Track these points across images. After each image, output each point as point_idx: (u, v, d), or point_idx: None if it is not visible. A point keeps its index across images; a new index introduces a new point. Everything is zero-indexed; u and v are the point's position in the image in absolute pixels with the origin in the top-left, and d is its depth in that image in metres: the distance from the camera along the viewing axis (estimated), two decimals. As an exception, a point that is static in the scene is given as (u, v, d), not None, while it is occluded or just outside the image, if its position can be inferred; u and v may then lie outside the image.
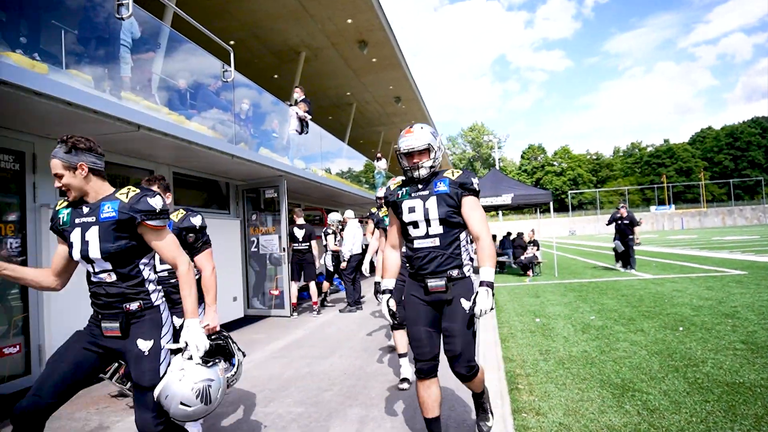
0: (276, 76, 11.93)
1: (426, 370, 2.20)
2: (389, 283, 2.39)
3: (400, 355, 3.65)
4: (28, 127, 3.82)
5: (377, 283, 3.63)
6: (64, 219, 1.84)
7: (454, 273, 2.20)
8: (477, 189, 2.24)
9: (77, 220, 1.81)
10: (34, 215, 3.89)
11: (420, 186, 2.28)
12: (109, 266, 1.79)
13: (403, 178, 2.41)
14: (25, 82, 3.03)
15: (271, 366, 4.37)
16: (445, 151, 32.26)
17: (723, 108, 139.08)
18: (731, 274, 8.71)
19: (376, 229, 4.34)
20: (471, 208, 2.21)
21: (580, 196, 67.61)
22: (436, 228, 2.21)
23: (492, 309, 2.08)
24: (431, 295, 2.22)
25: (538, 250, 11.38)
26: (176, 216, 2.57)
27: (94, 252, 1.76)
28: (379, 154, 14.98)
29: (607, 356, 3.86)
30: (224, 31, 8.59)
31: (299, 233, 7.20)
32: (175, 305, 2.49)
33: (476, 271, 2.15)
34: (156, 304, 1.89)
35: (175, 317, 2.34)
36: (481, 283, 2.09)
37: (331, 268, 7.99)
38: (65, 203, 1.88)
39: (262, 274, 7.49)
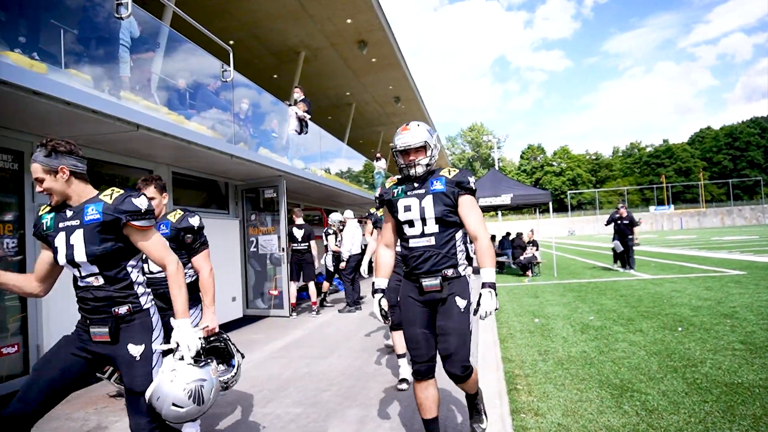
0: (275, 76, 11.93)
1: (423, 372, 2.20)
2: (382, 282, 2.35)
3: (399, 356, 3.65)
4: (27, 127, 3.82)
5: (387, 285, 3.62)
6: (48, 224, 1.81)
7: (449, 272, 2.18)
8: (474, 188, 2.22)
9: (61, 224, 1.77)
10: (32, 215, 3.88)
11: (416, 184, 2.26)
12: (95, 269, 1.77)
13: (400, 176, 2.40)
14: (24, 82, 3.03)
15: (270, 366, 4.37)
16: (444, 150, 32.30)
17: (723, 108, 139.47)
18: (730, 274, 8.72)
19: (374, 230, 4.34)
20: (468, 207, 2.20)
21: (580, 196, 67.66)
22: (432, 227, 2.19)
23: (496, 309, 2.07)
24: (426, 295, 2.20)
25: (537, 250, 11.39)
26: (174, 216, 2.55)
27: (80, 255, 1.73)
28: (378, 154, 14.98)
29: (605, 356, 3.87)
30: (224, 31, 8.59)
31: (298, 233, 7.20)
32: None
33: (476, 271, 2.15)
34: (145, 307, 1.87)
35: (173, 319, 2.33)
36: (484, 285, 2.08)
37: (331, 269, 7.98)
38: (48, 208, 1.84)
39: (261, 274, 7.49)
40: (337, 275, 8.20)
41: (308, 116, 8.67)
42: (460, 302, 2.15)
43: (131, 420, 1.79)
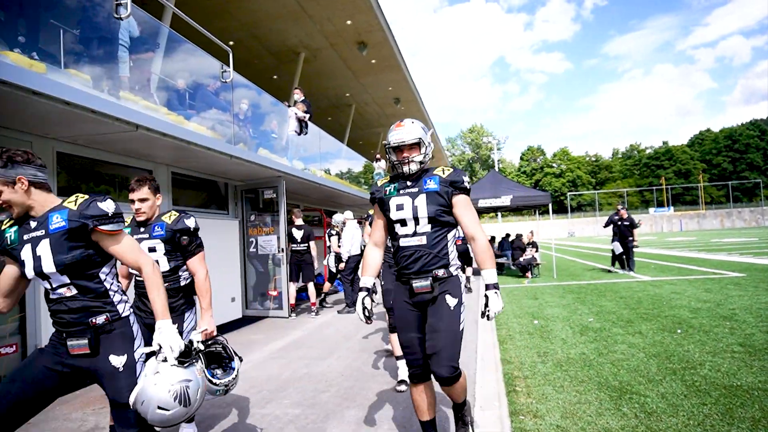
0: (275, 76, 11.93)
1: (419, 375, 2.19)
2: (368, 281, 2.30)
3: (398, 357, 3.64)
4: (27, 127, 3.81)
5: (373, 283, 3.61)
6: (12, 238, 1.73)
7: (440, 273, 2.14)
8: (468, 188, 2.19)
9: (26, 237, 1.70)
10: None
11: (409, 183, 2.22)
12: (66, 279, 1.70)
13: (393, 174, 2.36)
14: (24, 82, 3.02)
15: (269, 367, 4.36)
16: (443, 152, 32.30)
17: (722, 110, 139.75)
18: (729, 276, 8.72)
19: (374, 231, 4.33)
20: (464, 208, 2.17)
21: (579, 197, 67.64)
22: (424, 226, 2.15)
23: (503, 308, 2.06)
24: (416, 297, 2.16)
25: (536, 251, 11.38)
26: (169, 218, 2.51)
27: (48, 266, 1.66)
28: (378, 155, 14.98)
29: (605, 358, 3.86)
30: (223, 32, 8.60)
31: (298, 234, 7.20)
32: (169, 311, 2.43)
33: (476, 272, 2.14)
34: (124, 315, 1.81)
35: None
36: (488, 287, 2.07)
37: (334, 269, 7.97)
38: (10, 222, 1.77)
39: (260, 275, 7.48)
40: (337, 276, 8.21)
41: (308, 116, 8.67)
42: (451, 300, 2.11)
43: None
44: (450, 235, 2.21)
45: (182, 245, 2.50)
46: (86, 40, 4.20)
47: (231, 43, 8.97)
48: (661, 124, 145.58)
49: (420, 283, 2.14)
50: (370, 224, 4.24)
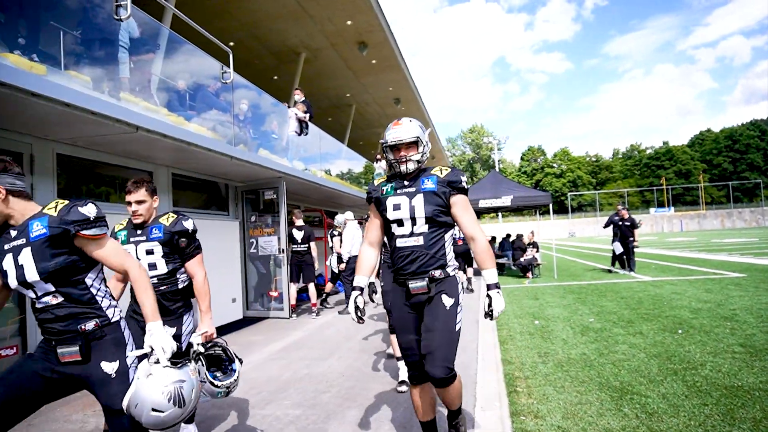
0: (275, 77, 11.94)
1: (418, 376, 2.18)
2: (361, 280, 2.29)
3: (398, 358, 3.64)
4: (27, 129, 3.81)
5: (372, 284, 3.61)
6: None
7: (437, 273, 2.12)
8: (466, 188, 2.18)
9: (6, 246, 1.67)
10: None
11: (406, 183, 2.20)
12: (51, 287, 1.67)
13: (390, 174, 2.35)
14: (23, 84, 3.02)
15: (270, 367, 4.36)
16: (444, 152, 32.29)
17: (722, 110, 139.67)
18: (730, 276, 8.72)
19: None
20: (462, 208, 2.15)
21: (580, 197, 67.63)
22: (422, 227, 2.13)
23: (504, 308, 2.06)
24: (413, 298, 2.15)
25: (537, 251, 11.38)
26: (167, 219, 2.48)
27: (31, 275, 1.63)
28: (378, 156, 14.95)
29: (605, 359, 3.86)
30: (223, 32, 8.60)
31: (298, 235, 7.20)
32: (168, 314, 2.41)
33: (477, 273, 2.14)
34: (114, 320, 1.79)
35: (167, 326, 2.25)
36: (489, 287, 2.07)
37: (336, 270, 7.97)
38: None
39: (261, 276, 7.49)
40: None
41: (308, 115, 8.67)
42: (447, 300, 2.09)
43: None
44: (447, 236, 2.19)
45: (180, 247, 2.46)
46: (86, 41, 4.20)
47: (231, 43, 8.98)
48: (661, 124, 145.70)
49: (416, 284, 2.12)
50: None
